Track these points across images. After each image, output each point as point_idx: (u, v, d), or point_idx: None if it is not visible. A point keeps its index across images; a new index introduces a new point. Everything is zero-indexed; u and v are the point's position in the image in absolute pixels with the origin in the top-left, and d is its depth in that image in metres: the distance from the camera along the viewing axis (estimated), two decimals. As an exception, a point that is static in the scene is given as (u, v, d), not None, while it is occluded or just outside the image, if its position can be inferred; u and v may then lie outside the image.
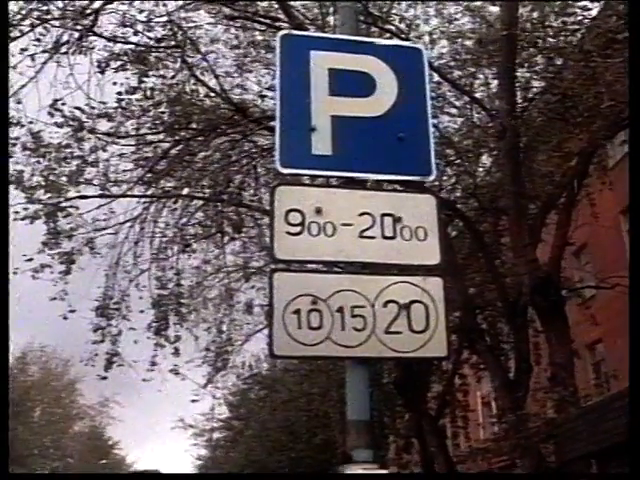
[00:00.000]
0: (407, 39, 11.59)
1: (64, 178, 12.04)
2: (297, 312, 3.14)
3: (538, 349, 14.57)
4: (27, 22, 10.57)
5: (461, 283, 13.40)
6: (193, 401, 20.53)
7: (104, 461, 68.79)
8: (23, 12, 10.55)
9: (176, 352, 14.12)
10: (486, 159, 13.87)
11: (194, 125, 12.40)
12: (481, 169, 14.04)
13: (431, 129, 3.64)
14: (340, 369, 16.08)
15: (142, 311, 14.23)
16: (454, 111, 13.46)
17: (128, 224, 13.30)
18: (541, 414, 12.44)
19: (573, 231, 12.80)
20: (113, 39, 11.36)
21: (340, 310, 3.17)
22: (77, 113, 11.65)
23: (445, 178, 13.55)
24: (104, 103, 11.71)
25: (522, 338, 14.05)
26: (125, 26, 11.32)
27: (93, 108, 11.69)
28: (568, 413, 10.82)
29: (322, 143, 3.42)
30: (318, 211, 3.30)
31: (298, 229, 3.27)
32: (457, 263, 13.35)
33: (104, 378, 14.26)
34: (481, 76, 12.84)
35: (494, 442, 18.41)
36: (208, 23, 12.15)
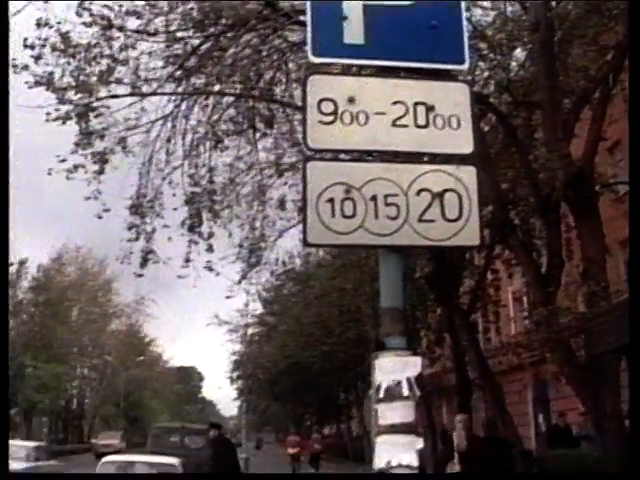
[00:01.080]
0: None
1: (94, 78, 11.98)
2: (331, 201, 3.17)
3: (570, 245, 14.58)
4: None
5: (493, 178, 13.31)
6: (227, 297, 20.95)
7: (141, 358, 71.33)
8: None
9: (210, 249, 14.33)
10: (520, 53, 13.49)
11: (223, 21, 12.16)
12: (515, 63, 13.67)
13: (464, 17, 3.57)
14: (373, 264, 16.24)
15: (175, 209, 14.38)
16: (487, 4, 13.02)
17: (160, 122, 13.30)
18: (572, 308, 12.55)
19: (607, 127, 12.54)
20: None
21: (373, 199, 3.20)
22: (105, 11, 11.50)
23: (478, 72, 13.24)
24: (132, 0, 11.53)
25: (554, 233, 14.03)
26: None
27: (121, 6, 11.53)
28: (599, 308, 10.90)
29: (354, 32, 3.37)
30: (351, 100, 3.28)
31: (331, 118, 3.26)
32: (490, 158, 13.22)
33: (140, 276, 14.62)
34: (514, -33, 12.37)
35: (525, 336, 18.70)
36: None
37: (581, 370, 11.74)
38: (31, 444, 24.50)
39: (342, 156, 3.42)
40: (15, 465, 12.29)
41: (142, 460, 13.32)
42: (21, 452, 19.41)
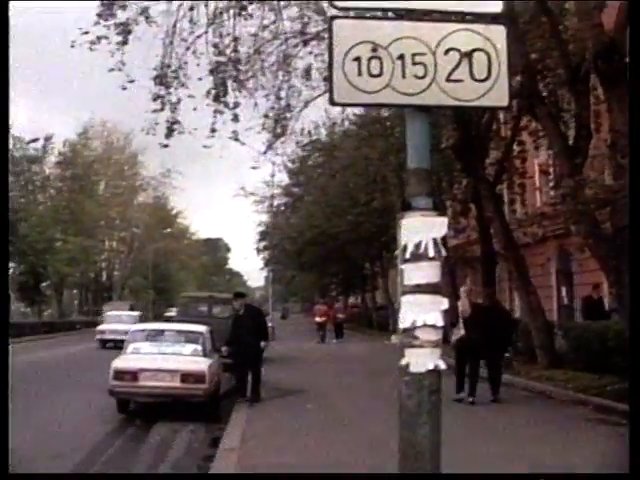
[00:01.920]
0: None
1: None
2: (357, 59, 3.11)
3: (598, 117, 14.31)
4: None
5: (523, 48, 12.92)
6: (253, 168, 21.05)
7: (168, 230, 72.64)
8: None
9: (235, 118, 14.28)
10: None
11: None
12: None
13: None
14: (399, 134, 16.11)
15: (200, 79, 14.26)
16: None
17: (182, -10, 12.95)
18: (599, 181, 12.46)
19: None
20: None
21: (401, 57, 3.12)
22: None
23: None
24: None
25: (583, 105, 13.74)
26: None
27: None
28: (626, 180, 10.82)
29: None
30: (378, -45, 3.14)
31: (357, -26, 3.13)
32: (519, 27, 12.78)
33: (165, 146, 14.69)
34: None
35: (551, 206, 18.68)
36: None
37: (606, 243, 11.78)
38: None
39: (369, 14, 3.31)
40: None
41: (171, 328, 13.81)
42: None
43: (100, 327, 30.19)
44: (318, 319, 33.41)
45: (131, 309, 37.39)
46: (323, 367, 19.73)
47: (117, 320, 29.08)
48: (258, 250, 53.16)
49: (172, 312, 39.46)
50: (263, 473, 4.56)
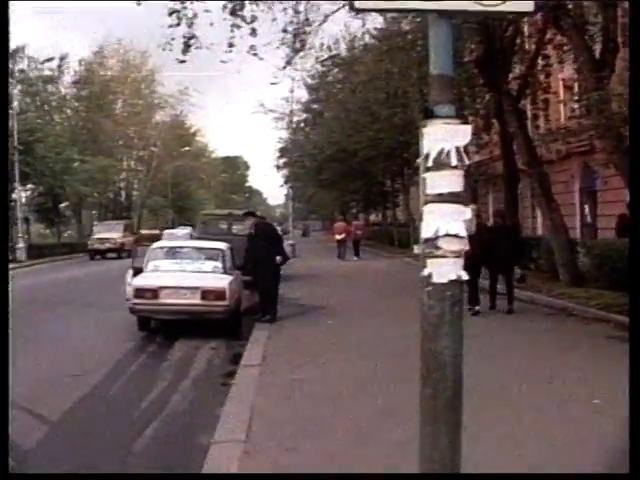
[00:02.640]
0: None
1: None
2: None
3: (626, 30, 13.82)
4: None
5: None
6: (272, 84, 20.82)
7: (187, 148, 72.37)
8: None
9: (253, 32, 13.99)
10: None
11: None
12: None
13: None
14: (420, 47, 15.73)
15: (216, -8, 13.92)
16: None
17: None
18: (625, 95, 12.18)
19: None
20: None
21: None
22: None
23: None
24: None
25: (610, 16, 13.28)
26: None
27: None
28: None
29: None
30: None
31: None
32: None
33: (182, 62, 14.49)
34: None
35: (575, 119, 18.37)
36: None
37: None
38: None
39: None
40: None
41: (191, 245, 13.93)
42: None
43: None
44: (337, 236, 33.73)
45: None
46: (344, 284, 19.93)
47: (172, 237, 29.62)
48: (278, 167, 53.15)
49: (104, 232, 38.55)
50: (264, 473, 4.67)
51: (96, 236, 37.54)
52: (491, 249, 12.06)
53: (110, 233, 37.32)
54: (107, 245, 36.77)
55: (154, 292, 11.45)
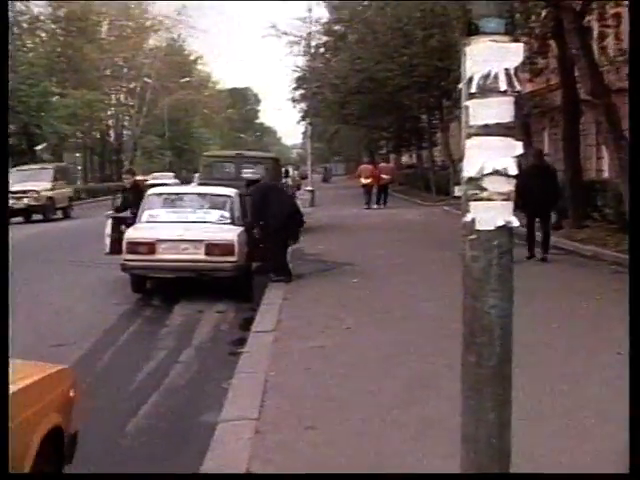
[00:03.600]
0: None
1: None
2: None
3: None
4: None
5: None
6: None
7: (186, 79, 71.97)
8: None
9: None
10: None
11: None
12: None
13: None
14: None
15: None
16: None
17: None
18: None
19: None
20: None
21: None
22: None
23: None
24: None
25: None
26: None
27: None
28: None
29: None
30: None
31: None
32: None
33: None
34: None
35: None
36: None
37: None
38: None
39: None
40: None
41: (193, 191, 13.97)
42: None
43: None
44: (363, 180, 33.70)
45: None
46: (371, 236, 19.97)
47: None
48: (294, 100, 52.56)
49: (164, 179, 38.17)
50: (265, 473, 4.72)
51: (12, 188, 26.27)
52: (527, 191, 12.25)
53: (30, 183, 28.94)
54: (25, 201, 28.54)
55: (150, 246, 11.56)
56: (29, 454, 3.77)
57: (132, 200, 13.61)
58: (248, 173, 15.09)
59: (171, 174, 53.74)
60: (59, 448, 4.25)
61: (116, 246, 12.65)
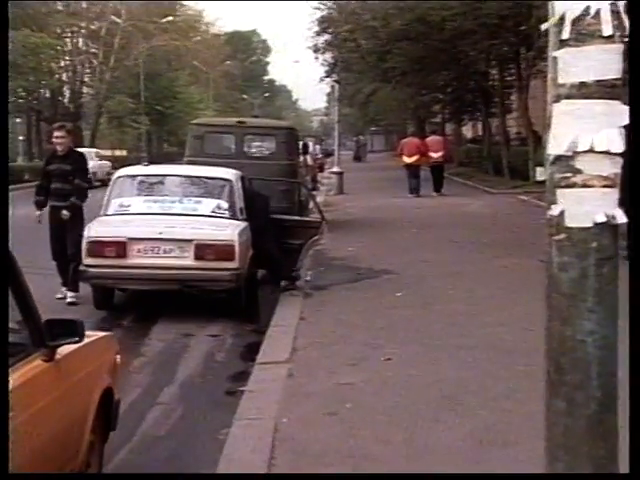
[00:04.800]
0: None
1: None
2: None
3: None
4: None
5: None
6: None
7: (169, 18, 71.97)
8: None
9: None
10: None
11: None
12: None
13: None
14: None
15: None
16: None
17: None
18: None
19: None
20: None
21: None
22: None
23: None
24: None
25: None
26: None
27: None
28: None
29: None
30: None
31: None
32: None
33: None
34: None
35: None
36: None
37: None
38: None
39: None
40: None
41: (179, 173, 13.92)
42: None
43: None
44: (407, 159, 33.40)
45: None
46: (419, 236, 19.95)
47: None
48: (316, 50, 52.34)
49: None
50: (265, 473, 4.71)
51: None
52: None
53: None
54: None
55: (119, 247, 11.60)
56: (90, 410, 5.32)
57: (59, 176, 12.81)
58: (254, 148, 15.13)
59: None
60: (109, 412, 5.82)
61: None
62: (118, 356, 6.24)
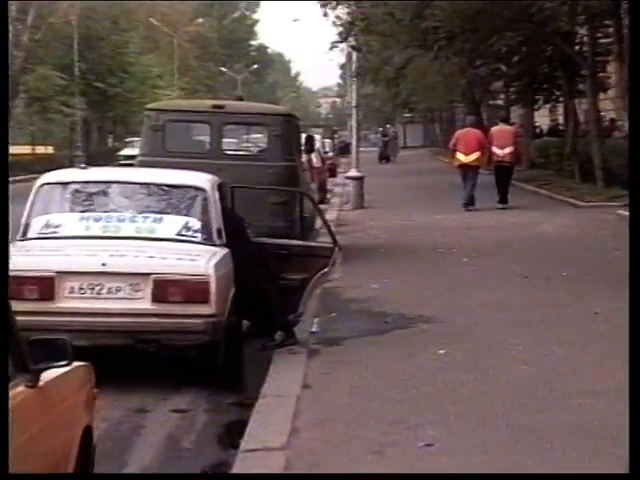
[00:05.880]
0: None
1: None
2: None
3: None
4: None
5: None
6: None
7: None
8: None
9: None
10: None
11: None
12: None
13: None
14: None
15: None
16: None
17: None
18: None
19: None
20: None
21: None
22: None
23: None
24: None
25: None
26: None
27: None
28: None
29: None
30: None
31: None
32: None
33: None
34: None
35: None
36: None
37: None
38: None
39: None
40: None
41: (129, 179, 13.87)
42: None
43: None
44: (463, 157, 33.34)
45: None
46: (471, 268, 19.95)
47: None
48: (324, 4, 52.73)
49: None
50: (265, 473, 4.79)
51: None
52: None
53: None
54: None
55: (45, 285, 11.63)
56: (72, 451, 6.12)
57: None
58: (237, 144, 15.12)
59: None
60: (87, 458, 6.61)
61: None
62: (96, 390, 7.24)
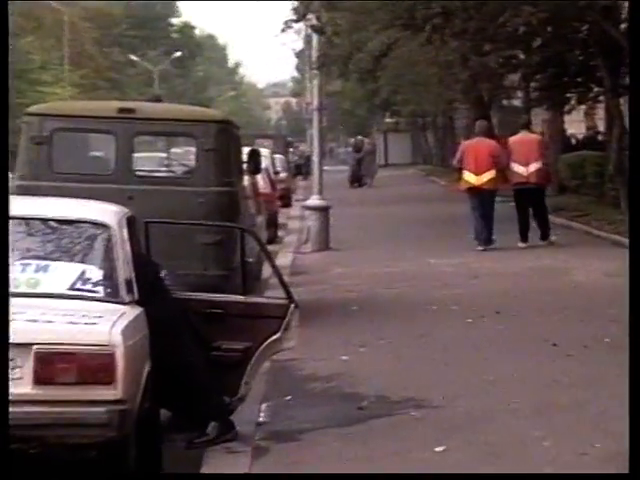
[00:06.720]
0: None
1: None
2: None
3: None
4: None
5: None
6: None
7: None
8: None
9: None
10: None
11: None
12: None
13: None
14: None
15: None
16: None
17: None
18: None
19: None
20: None
21: None
22: None
23: None
24: None
25: None
26: None
27: None
28: None
29: None
30: None
31: None
32: None
33: None
34: None
35: None
36: None
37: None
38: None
39: None
40: None
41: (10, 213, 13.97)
42: None
43: None
44: (472, 177, 33.39)
45: None
46: (476, 332, 20.07)
47: None
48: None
49: None
50: (265, 473, 4.92)
51: None
52: None
53: None
54: None
55: None
56: None
57: None
58: (154, 162, 15.17)
59: None
60: None
61: None
62: None
